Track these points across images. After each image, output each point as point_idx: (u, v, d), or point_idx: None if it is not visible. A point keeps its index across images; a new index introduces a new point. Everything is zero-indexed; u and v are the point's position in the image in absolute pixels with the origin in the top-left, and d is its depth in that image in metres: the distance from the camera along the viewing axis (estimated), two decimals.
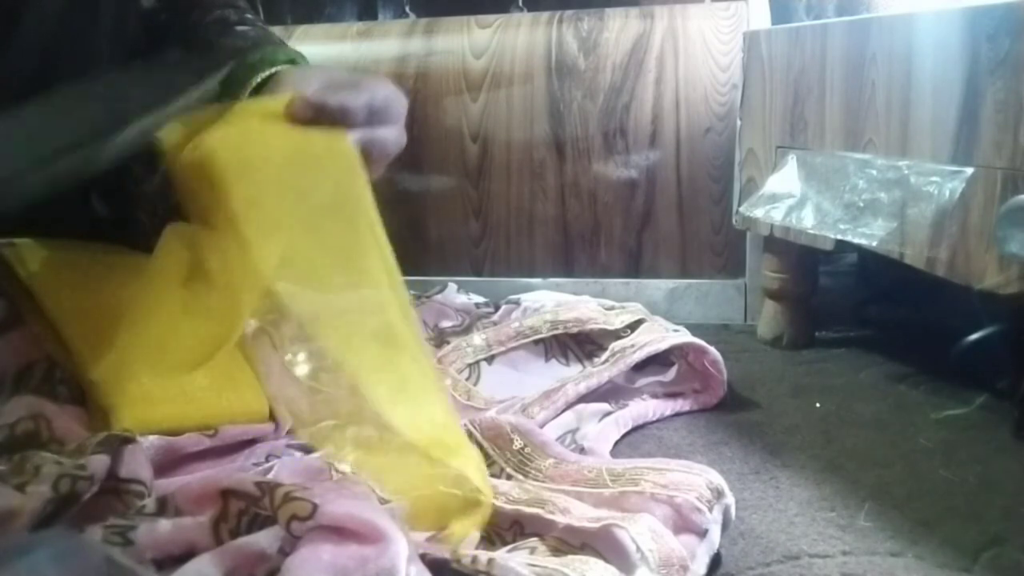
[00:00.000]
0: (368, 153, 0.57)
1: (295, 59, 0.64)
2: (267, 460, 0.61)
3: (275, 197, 0.52)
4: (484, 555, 0.47)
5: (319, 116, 0.55)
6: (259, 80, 0.62)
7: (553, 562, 0.47)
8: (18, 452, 0.53)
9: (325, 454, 0.61)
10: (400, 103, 0.60)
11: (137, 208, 0.71)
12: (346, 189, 0.55)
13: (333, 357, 0.52)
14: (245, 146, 0.52)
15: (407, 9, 1.32)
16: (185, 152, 0.51)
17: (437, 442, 0.53)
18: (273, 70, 0.63)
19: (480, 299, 0.96)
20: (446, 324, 0.92)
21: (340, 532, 0.43)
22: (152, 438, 0.58)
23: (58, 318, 0.61)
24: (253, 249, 0.50)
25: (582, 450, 0.67)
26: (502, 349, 0.83)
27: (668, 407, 0.77)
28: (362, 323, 0.53)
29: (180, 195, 0.53)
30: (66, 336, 0.60)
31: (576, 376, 0.77)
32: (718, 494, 0.54)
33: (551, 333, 0.84)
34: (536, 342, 0.84)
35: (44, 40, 0.63)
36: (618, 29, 1.13)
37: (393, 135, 0.60)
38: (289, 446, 0.64)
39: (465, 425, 0.63)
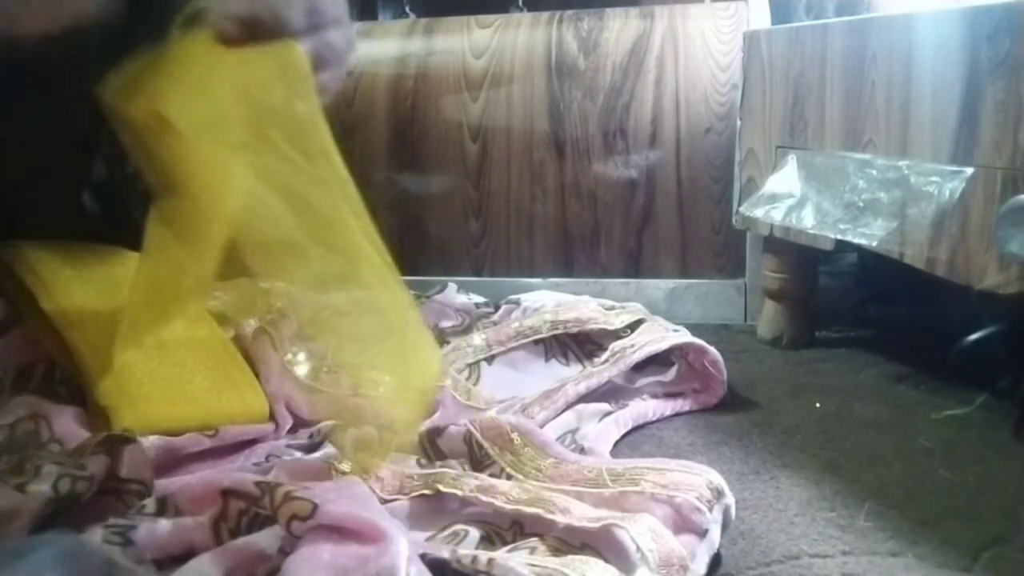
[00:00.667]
0: (323, 60, 0.53)
1: None
2: (267, 460, 0.61)
3: (234, 130, 0.48)
4: (484, 555, 0.47)
5: (255, 33, 0.50)
6: (184, 20, 0.57)
7: (553, 562, 0.47)
8: (18, 452, 0.53)
9: (325, 454, 0.62)
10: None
11: (131, 206, 0.70)
12: (304, 105, 0.51)
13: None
14: (192, 85, 0.49)
15: (407, 9, 1.32)
16: (132, 107, 0.48)
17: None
18: (198, 6, 0.57)
19: (480, 299, 0.96)
20: (446, 324, 0.92)
21: (340, 532, 0.43)
22: (152, 438, 0.58)
23: (58, 318, 0.61)
24: (222, 190, 0.47)
25: (582, 450, 0.67)
26: (502, 349, 0.83)
27: (668, 407, 0.77)
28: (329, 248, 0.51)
29: (135, 150, 0.50)
30: (66, 336, 0.60)
31: (576, 376, 0.77)
32: (718, 494, 0.54)
33: (551, 333, 0.84)
34: (536, 342, 0.84)
35: None
36: (618, 29, 1.13)
37: (343, 36, 0.55)
38: (289, 446, 0.64)
39: (465, 425, 0.63)
